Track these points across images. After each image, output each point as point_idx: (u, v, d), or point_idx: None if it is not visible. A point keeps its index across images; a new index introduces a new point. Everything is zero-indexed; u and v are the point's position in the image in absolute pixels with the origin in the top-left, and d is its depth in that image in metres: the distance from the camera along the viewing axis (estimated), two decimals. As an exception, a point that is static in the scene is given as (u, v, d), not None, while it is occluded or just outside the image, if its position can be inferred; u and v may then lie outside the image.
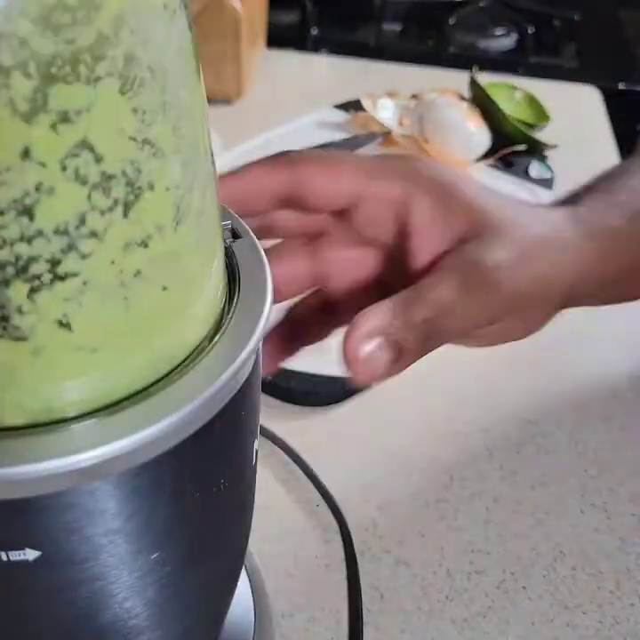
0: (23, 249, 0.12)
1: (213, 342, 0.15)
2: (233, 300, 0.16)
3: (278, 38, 0.80)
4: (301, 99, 0.73)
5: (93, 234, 0.12)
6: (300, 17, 0.90)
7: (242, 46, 0.64)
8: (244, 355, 0.15)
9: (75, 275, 0.13)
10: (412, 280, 0.22)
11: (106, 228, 0.12)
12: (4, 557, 0.15)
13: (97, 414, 0.14)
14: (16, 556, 0.15)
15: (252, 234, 0.18)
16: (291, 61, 0.82)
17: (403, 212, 0.23)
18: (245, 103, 0.71)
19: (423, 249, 0.23)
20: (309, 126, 0.67)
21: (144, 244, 0.13)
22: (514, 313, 0.23)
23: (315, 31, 0.90)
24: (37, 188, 0.12)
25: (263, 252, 0.17)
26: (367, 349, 0.21)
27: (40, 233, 0.12)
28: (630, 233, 0.25)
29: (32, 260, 0.12)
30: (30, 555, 0.15)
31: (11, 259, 0.12)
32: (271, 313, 0.16)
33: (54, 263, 0.12)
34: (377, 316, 0.21)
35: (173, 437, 0.15)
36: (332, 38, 0.90)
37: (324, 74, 0.83)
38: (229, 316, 0.16)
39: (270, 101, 0.73)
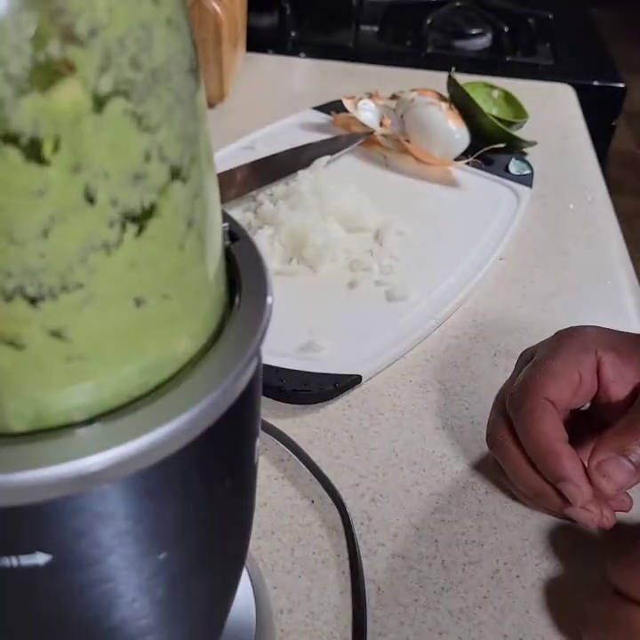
0: (33, 262, 0.12)
1: (217, 345, 0.16)
2: (234, 301, 0.17)
3: (258, 42, 0.80)
4: (282, 101, 0.73)
5: (104, 249, 0.13)
6: (279, 20, 0.91)
7: (223, 50, 0.64)
8: (248, 356, 0.15)
9: (80, 287, 0.13)
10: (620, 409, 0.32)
11: (117, 245, 0.13)
12: (15, 562, 0.15)
13: (104, 418, 0.14)
14: (27, 560, 0.15)
15: (249, 235, 0.18)
16: (270, 64, 0.82)
17: (599, 375, 0.33)
18: (227, 106, 0.71)
19: (619, 392, 0.33)
20: (291, 128, 0.68)
21: (151, 259, 0.13)
22: None
23: (293, 34, 0.91)
24: (51, 218, 0.12)
25: (261, 253, 0.18)
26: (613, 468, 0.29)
27: (51, 250, 0.12)
28: None
29: (41, 272, 0.12)
30: (41, 559, 0.15)
31: (19, 269, 0.12)
32: (271, 312, 0.16)
33: (62, 276, 0.13)
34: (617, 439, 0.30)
35: (181, 439, 0.15)
36: (310, 41, 0.91)
37: (304, 76, 0.83)
38: (232, 317, 0.16)
39: (251, 104, 0.73)
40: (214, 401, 0.15)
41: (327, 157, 0.60)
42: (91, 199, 0.12)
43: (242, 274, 0.17)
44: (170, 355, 0.15)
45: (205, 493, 0.17)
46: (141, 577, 0.17)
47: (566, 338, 0.34)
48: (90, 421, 0.14)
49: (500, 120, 0.64)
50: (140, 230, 0.13)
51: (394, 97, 0.68)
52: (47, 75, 0.11)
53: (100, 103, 0.12)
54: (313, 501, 0.36)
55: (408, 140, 0.63)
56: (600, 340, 0.33)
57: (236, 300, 0.17)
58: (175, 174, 0.13)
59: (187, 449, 0.15)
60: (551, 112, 0.76)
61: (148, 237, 0.13)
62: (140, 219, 0.13)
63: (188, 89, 0.14)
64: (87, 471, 0.13)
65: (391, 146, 0.64)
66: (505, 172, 0.63)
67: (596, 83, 0.88)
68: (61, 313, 0.13)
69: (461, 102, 0.64)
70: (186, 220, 0.14)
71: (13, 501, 0.14)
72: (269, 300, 0.17)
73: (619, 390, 0.32)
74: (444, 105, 0.63)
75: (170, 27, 0.13)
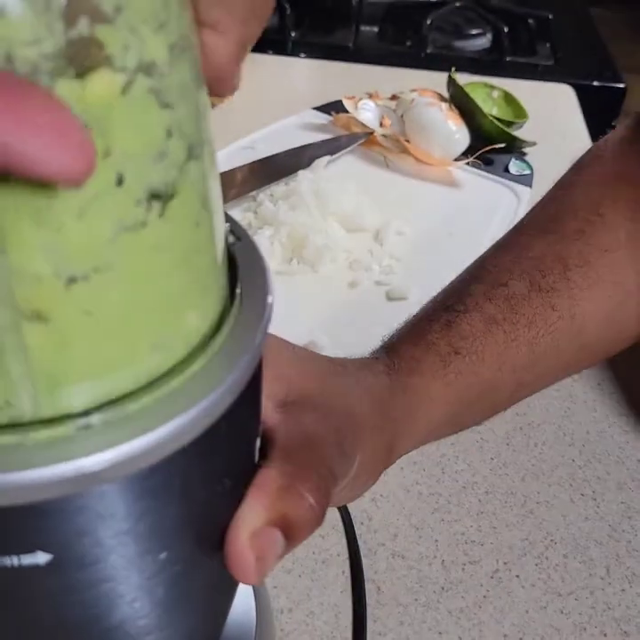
0: (67, 245, 0.12)
1: (218, 342, 0.16)
2: (233, 301, 0.17)
3: (258, 42, 0.80)
4: (283, 101, 0.73)
5: (132, 230, 0.13)
6: (279, 20, 0.91)
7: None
8: (248, 356, 0.15)
9: (109, 267, 0.13)
10: None
11: (143, 224, 0.13)
12: (16, 561, 0.15)
13: (105, 417, 0.14)
14: (27, 559, 0.15)
15: (249, 235, 0.18)
16: (271, 65, 0.82)
17: None
18: (227, 107, 0.71)
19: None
20: (291, 128, 0.68)
21: (173, 238, 0.14)
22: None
23: (294, 34, 0.91)
24: (85, 202, 0.12)
25: (261, 253, 0.18)
26: (260, 544, 0.18)
27: (84, 233, 0.12)
28: (446, 380, 0.26)
29: (74, 254, 0.12)
30: (41, 558, 0.15)
31: (53, 252, 0.12)
32: (271, 312, 0.17)
33: (94, 258, 0.12)
34: (257, 505, 0.19)
35: (181, 439, 0.15)
36: (310, 41, 0.91)
37: (305, 76, 0.83)
38: (232, 317, 0.16)
39: (252, 105, 0.73)
40: (214, 401, 0.15)
41: (327, 157, 0.60)
42: (120, 180, 0.12)
43: (242, 274, 0.17)
44: (183, 333, 0.15)
45: (206, 493, 0.17)
46: (142, 576, 0.17)
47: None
48: (91, 412, 0.14)
49: (499, 120, 0.64)
50: (164, 209, 0.13)
51: (394, 97, 0.68)
52: (79, 61, 0.11)
53: (126, 84, 0.12)
54: (313, 501, 0.36)
55: (408, 141, 0.63)
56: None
57: (236, 299, 0.17)
58: (191, 152, 0.14)
59: (187, 449, 0.15)
60: (551, 112, 0.76)
61: (170, 216, 0.13)
62: (164, 197, 0.13)
63: (198, 63, 0.14)
64: (88, 471, 0.13)
65: (391, 146, 0.64)
66: (505, 173, 0.63)
67: (595, 83, 0.88)
68: (91, 293, 0.13)
69: (461, 102, 0.64)
70: (200, 198, 0.14)
71: (14, 501, 0.14)
72: (269, 299, 0.17)
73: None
74: (444, 105, 0.63)
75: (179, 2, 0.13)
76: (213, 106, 0.70)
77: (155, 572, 0.17)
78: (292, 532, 0.19)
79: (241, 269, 0.17)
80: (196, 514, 0.17)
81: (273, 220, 0.52)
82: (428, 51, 0.91)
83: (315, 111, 0.70)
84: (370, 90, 0.70)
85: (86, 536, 0.15)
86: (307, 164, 0.59)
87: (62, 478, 0.13)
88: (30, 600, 0.16)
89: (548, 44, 0.97)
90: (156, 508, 0.16)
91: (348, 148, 0.63)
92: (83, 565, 0.16)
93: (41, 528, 0.15)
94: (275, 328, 0.17)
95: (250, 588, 0.29)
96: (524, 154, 0.66)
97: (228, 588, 0.22)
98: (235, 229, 0.18)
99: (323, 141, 0.64)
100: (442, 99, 0.65)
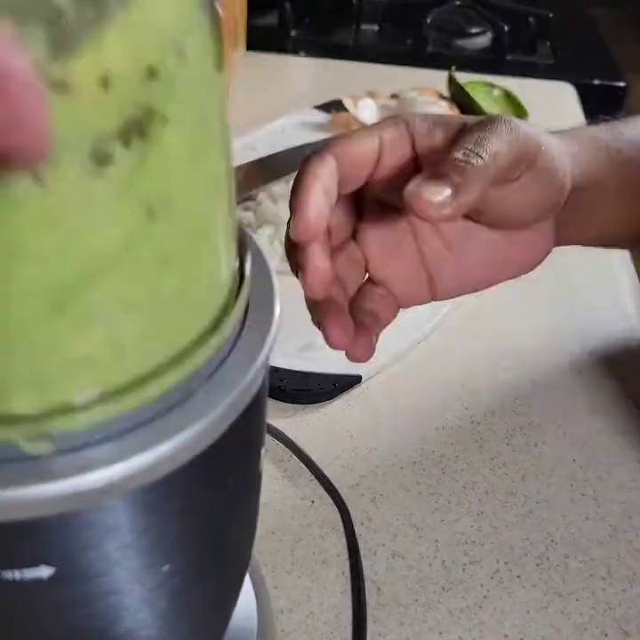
0: None
1: (225, 360, 0.15)
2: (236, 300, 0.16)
3: (258, 41, 0.80)
4: (283, 100, 0.73)
5: None
6: (279, 19, 0.90)
7: (223, 50, 0.64)
8: (253, 371, 0.15)
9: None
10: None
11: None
12: (19, 575, 0.15)
13: (108, 433, 0.14)
14: (31, 573, 0.15)
15: (257, 244, 0.18)
16: (271, 64, 0.82)
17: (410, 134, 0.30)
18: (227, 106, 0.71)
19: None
20: (291, 127, 0.67)
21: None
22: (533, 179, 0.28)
23: (294, 33, 0.90)
24: None
25: (269, 262, 0.18)
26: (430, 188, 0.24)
27: None
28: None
29: None
30: (45, 571, 0.15)
31: None
32: (279, 326, 0.16)
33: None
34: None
35: (186, 454, 0.15)
36: (311, 40, 0.90)
37: (304, 75, 0.83)
38: (239, 328, 0.16)
39: (252, 104, 0.73)
40: (220, 415, 0.15)
41: (327, 157, 0.60)
42: None
43: (251, 287, 0.17)
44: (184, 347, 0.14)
45: (209, 506, 0.17)
46: (145, 588, 0.17)
47: None
48: (99, 440, 0.14)
49: (500, 119, 0.64)
50: None
51: (394, 96, 0.68)
52: None
53: None
54: (313, 501, 0.36)
55: (408, 140, 0.63)
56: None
57: (242, 301, 0.16)
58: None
59: (191, 463, 0.15)
60: (551, 111, 0.76)
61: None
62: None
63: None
64: (92, 486, 0.13)
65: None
66: (505, 172, 0.63)
67: (596, 82, 0.88)
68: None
69: (462, 101, 0.64)
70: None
71: (17, 516, 0.13)
72: (277, 310, 0.16)
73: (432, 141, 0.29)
74: (445, 104, 0.63)
75: None
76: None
77: (158, 585, 0.17)
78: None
79: (250, 281, 0.17)
80: (199, 526, 0.17)
81: (273, 220, 0.52)
82: (429, 49, 0.91)
83: (315, 110, 0.70)
84: (370, 89, 0.70)
85: (89, 550, 0.15)
86: (307, 163, 0.59)
87: (66, 493, 0.13)
88: (33, 612, 0.16)
89: (548, 43, 0.97)
90: (160, 521, 0.16)
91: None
92: (85, 578, 0.16)
93: (44, 542, 0.14)
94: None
95: (250, 589, 0.29)
96: (525, 153, 0.66)
97: (229, 596, 0.22)
98: (242, 237, 0.18)
99: (322, 141, 0.64)
100: (442, 97, 0.65)
